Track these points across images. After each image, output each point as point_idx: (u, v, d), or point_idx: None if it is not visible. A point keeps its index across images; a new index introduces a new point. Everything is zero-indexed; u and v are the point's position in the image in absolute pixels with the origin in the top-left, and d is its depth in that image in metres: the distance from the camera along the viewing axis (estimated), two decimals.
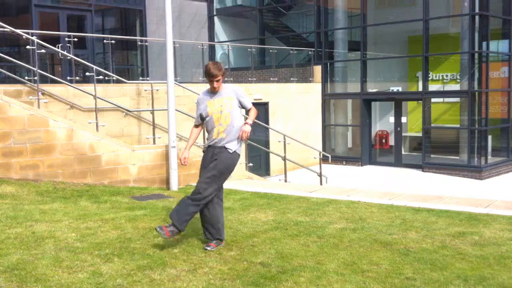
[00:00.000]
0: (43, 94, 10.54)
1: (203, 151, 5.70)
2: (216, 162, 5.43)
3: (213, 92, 5.53)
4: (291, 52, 19.56)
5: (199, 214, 5.54)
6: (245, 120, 5.58)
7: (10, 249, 5.18)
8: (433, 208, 7.48)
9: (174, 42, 10.73)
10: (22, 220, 6.36)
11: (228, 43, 20.91)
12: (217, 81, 5.41)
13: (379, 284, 4.48)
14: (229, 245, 5.56)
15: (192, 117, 12.19)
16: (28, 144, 8.82)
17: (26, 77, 10.74)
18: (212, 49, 21.21)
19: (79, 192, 8.49)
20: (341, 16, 19.83)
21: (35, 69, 10.43)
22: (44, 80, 11.11)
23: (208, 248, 5.40)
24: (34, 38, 10.71)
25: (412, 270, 4.83)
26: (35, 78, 10.44)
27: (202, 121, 5.64)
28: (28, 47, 10.76)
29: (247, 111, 5.70)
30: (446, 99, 19.05)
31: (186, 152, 5.71)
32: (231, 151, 5.48)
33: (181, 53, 17.68)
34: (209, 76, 5.39)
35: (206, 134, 5.70)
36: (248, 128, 5.49)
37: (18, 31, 10.65)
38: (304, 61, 20.44)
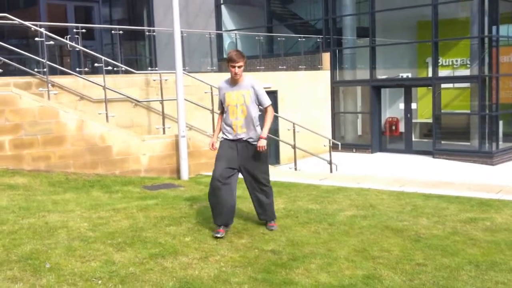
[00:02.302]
0: (52, 85, 10.58)
1: (220, 141, 5.73)
2: (254, 159, 5.61)
3: (232, 82, 5.57)
4: (299, 39, 19.48)
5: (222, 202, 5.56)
6: (260, 127, 5.62)
7: (23, 239, 5.24)
8: (444, 194, 7.46)
9: (181, 32, 10.70)
10: (35, 211, 6.42)
11: (235, 32, 20.86)
12: (239, 67, 5.42)
13: (390, 270, 4.50)
14: (240, 233, 5.59)
15: (202, 106, 12.23)
16: (39, 135, 8.89)
17: (36, 69, 10.77)
18: (219, 38, 21.15)
19: (91, 183, 8.55)
20: (349, 2, 19.67)
21: (44, 61, 10.47)
22: (53, 71, 11.15)
23: (273, 228, 5.74)
24: (42, 30, 10.74)
25: (423, 256, 4.83)
26: (45, 70, 10.48)
27: (223, 108, 5.70)
28: (36, 39, 10.79)
29: (264, 109, 5.69)
30: (456, 85, 18.92)
31: (215, 138, 5.90)
32: (255, 141, 5.57)
33: (189, 42, 17.65)
34: (231, 61, 5.40)
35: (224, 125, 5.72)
36: (263, 143, 5.51)
37: (27, 23, 10.68)
38: (312, 49, 20.35)
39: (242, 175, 5.73)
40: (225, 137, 5.65)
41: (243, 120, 5.53)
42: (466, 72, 18.24)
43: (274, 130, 15.70)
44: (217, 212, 5.54)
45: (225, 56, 21.25)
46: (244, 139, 5.57)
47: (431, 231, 5.61)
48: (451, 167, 15.84)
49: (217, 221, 5.55)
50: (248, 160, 5.60)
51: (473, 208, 6.60)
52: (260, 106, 5.66)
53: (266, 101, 5.63)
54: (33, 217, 6.11)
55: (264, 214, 5.85)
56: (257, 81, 5.74)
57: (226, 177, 5.50)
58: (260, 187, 5.73)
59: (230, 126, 5.59)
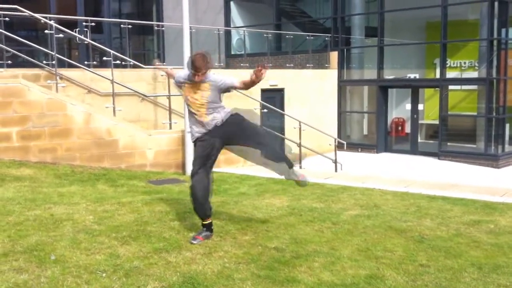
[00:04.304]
0: (61, 78, 10.63)
1: (194, 143, 5.40)
2: (240, 130, 5.35)
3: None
4: (307, 38, 19.46)
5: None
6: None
7: (29, 231, 5.29)
8: (449, 196, 7.47)
9: (190, 28, 10.72)
10: (41, 203, 6.47)
11: (244, 29, 20.85)
12: (202, 74, 5.03)
13: (393, 270, 4.51)
14: (244, 230, 5.61)
15: None
16: (46, 127, 8.94)
17: (44, 61, 10.82)
18: (228, 34, 21.15)
19: (97, 176, 8.60)
20: (358, 2, 19.62)
21: (53, 53, 10.52)
22: (61, 64, 11.20)
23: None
24: (52, 22, 10.78)
25: (426, 257, 4.84)
26: (53, 62, 10.53)
27: (177, 84, 5.40)
28: (46, 31, 10.83)
29: (237, 88, 5.35)
30: (464, 87, 18.86)
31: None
32: (231, 114, 5.32)
33: (197, 38, 17.67)
34: (194, 69, 4.98)
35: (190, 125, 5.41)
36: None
37: (37, 15, 10.72)
38: (320, 47, 20.32)
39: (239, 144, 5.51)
40: (198, 137, 5.31)
41: (206, 110, 5.19)
42: (474, 74, 18.17)
43: (280, 128, 15.71)
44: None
45: (233, 52, 21.30)
46: (217, 123, 5.24)
47: (435, 232, 5.62)
48: (456, 169, 15.80)
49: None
50: (235, 135, 5.36)
51: (477, 210, 6.60)
52: (230, 89, 5.30)
53: (233, 81, 5.20)
54: (38, 209, 6.16)
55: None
56: (215, 74, 5.28)
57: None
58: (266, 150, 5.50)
59: (196, 123, 5.28)
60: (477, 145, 17.01)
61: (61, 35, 11.31)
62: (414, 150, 18.41)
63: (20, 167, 8.35)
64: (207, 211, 5.28)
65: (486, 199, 7.28)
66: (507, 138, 16.96)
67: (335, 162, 13.63)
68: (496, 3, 16.20)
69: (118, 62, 11.87)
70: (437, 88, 18.02)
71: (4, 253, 4.61)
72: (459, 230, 5.72)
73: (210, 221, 5.30)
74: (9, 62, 10.50)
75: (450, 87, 17.92)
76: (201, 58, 5.01)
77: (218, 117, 5.26)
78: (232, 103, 13.25)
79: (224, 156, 10.97)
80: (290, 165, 5.74)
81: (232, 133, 5.35)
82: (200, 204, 5.23)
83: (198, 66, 4.97)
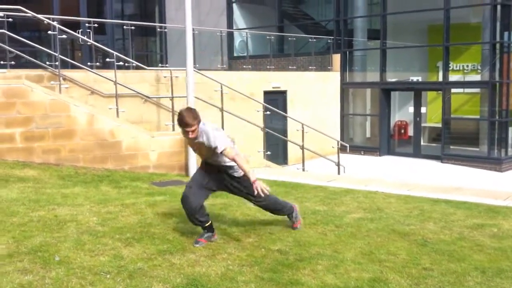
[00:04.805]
0: (64, 79, 10.63)
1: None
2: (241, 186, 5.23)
3: None
4: (310, 40, 19.47)
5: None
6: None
7: (33, 232, 5.30)
8: (452, 200, 7.46)
9: (193, 29, 10.74)
10: (45, 204, 6.49)
11: (246, 30, 20.88)
12: (193, 131, 4.85)
13: (396, 274, 4.51)
14: (247, 232, 5.62)
15: (211, 104, 12.27)
16: (50, 128, 8.96)
17: (47, 62, 10.84)
18: (230, 36, 21.18)
19: (100, 177, 8.61)
20: (361, 4, 19.66)
21: (56, 54, 10.53)
22: (64, 65, 11.20)
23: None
24: (55, 23, 10.80)
25: (430, 261, 4.84)
26: (56, 63, 10.53)
27: None
28: (49, 32, 10.85)
29: (226, 156, 4.98)
30: (466, 90, 18.86)
31: None
32: (235, 172, 5.16)
33: (200, 40, 17.70)
34: (183, 126, 4.82)
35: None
36: (258, 183, 4.81)
37: (40, 16, 10.74)
38: (323, 50, 20.35)
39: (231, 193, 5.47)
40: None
41: (210, 157, 5.11)
42: (476, 77, 18.18)
43: (283, 130, 15.73)
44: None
45: (235, 54, 21.31)
46: (224, 165, 5.11)
47: (438, 236, 5.62)
48: (459, 172, 15.80)
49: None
50: (233, 186, 5.29)
51: (481, 214, 6.60)
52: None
53: (219, 144, 4.89)
54: (42, 210, 6.17)
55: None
56: (211, 128, 4.98)
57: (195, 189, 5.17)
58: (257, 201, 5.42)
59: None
60: (480, 148, 17.01)
61: (64, 36, 11.33)
62: (417, 153, 18.42)
63: (24, 168, 8.36)
64: (202, 221, 5.20)
65: (489, 202, 7.27)
66: (510, 141, 16.98)
67: (338, 164, 13.63)
68: (498, 7, 16.23)
69: (121, 63, 11.89)
70: (439, 91, 18.02)
71: (9, 254, 4.62)
72: (463, 234, 5.71)
73: (210, 222, 5.27)
74: (13, 63, 10.51)
75: (453, 90, 17.93)
76: (189, 114, 4.83)
77: (222, 169, 5.18)
78: (235, 104, 13.33)
79: None
80: (289, 215, 5.83)
81: (232, 186, 5.32)
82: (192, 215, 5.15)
83: (187, 123, 4.80)
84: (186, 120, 4.78)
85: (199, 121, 4.87)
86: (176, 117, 10.55)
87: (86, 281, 4.13)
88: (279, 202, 5.72)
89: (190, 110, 4.94)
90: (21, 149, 8.75)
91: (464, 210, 6.79)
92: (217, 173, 5.23)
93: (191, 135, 4.88)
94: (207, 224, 5.24)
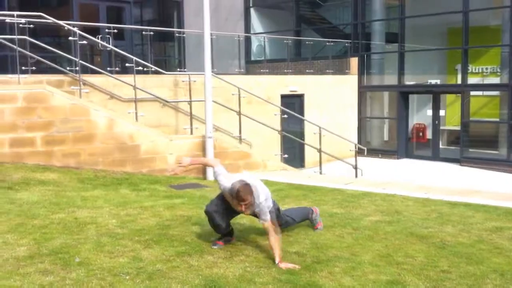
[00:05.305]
0: (84, 84, 10.78)
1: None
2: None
3: None
4: (327, 44, 19.46)
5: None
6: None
7: (54, 234, 5.39)
8: (470, 203, 7.41)
9: (211, 34, 10.82)
10: (65, 206, 6.59)
11: (264, 35, 20.92)
12: (246, 205, 4.88)
13: (414, 276, 4.51)
14: (265, 235, 5.61)
15: (228, 108, 12.33)
16: (70, 133, 9.09)
17: (68, 68, 10.99)
18: (248, 40, 21.24)
19: (119, 180, 8.71)
20: (379, 8, 19.59)
21: (77, 59, 10.68)
22: (84, 70, 11.36)
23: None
24: (75, 29, 10.96)
25: (448, 264, 4.83)
26: (77, 68, 10.69)
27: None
28: (70, 38, 11.00)
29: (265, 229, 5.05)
30: (486, 93, 18.67)
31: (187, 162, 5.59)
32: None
33: (218, 44, 17.80)
34: (238, 200, 4.85)
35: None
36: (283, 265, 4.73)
37: (61, 22, 10.91)
38: (340, 53, 20.30)
39: None
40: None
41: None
42: (496, 80, 17.99)
43: (300, 133, 15.73)
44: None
45: (253, 58, 21.38)
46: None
47: (457, 239, 5.59)
48: (478, 175, 15.63)
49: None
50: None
51: (500, 217, 6.55)
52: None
53: (264, 216, 4.99)
54: (63, 212, 6.27)
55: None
56: (263, 204, 5.04)
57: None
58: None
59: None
60: (499, 151, 16.82)
61: (84, 42, 11.49)
62: (435, 156, 18.27)
63: (45, 171, 8.49)
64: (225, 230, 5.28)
65: (508, 205, 7.21)
66: None
67: (356, 167, 13.60)
68: None
69: (140, 68, 12.02)
70: (458, 94, 17.88)
71: (30, 256, 4.71)
72: (481, 237, 5.68)
73: (230, 228, 5.35)
74: (34, 68, 10.68)
75: (472, 93, 17.76)
76: (246, 190, 4.85)
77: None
78: (252, 108, 13.36)
79: (244, 161, 11.05)
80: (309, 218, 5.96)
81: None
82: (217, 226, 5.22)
83: (244, 198, 4.85)
84: (243, 196, 4.82)
85: (252, 195, 4.90)
86: (194, 121, 10.58)
87: (105, 282, 4.19)
88: (299, 216, 5.85)
89: (247, 186, 4.90)
90: (41, 153, 8.89)
91: (482, 213, 6.74)
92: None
93: (245, 210, 4.93)
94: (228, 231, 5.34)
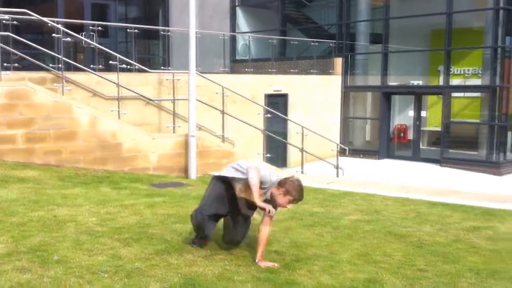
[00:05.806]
0: (67, 81, 10.71)
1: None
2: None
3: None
4: (312, 44, 19.54)
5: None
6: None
7: (32, 231, 5.35)
8: (449, 203, 7.51)
9: (196, 32, 10.81)
10: (44, 204, 6.55)
11: (249, 34, 20.94)
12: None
13: (391, 275, 4.56)
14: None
15: (212, 107, 12.33)
16: (51, 130, 9.03)
17: (51, 65, 10.92)
18: (233, 39, 21.24)
19: (100, 178, 8.68)
20: (364, 8, 19.71)
21: (60, 56, 10.60)
22: (67, 67, 11.28)
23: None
24: (60, 26, 10.88)
25: (425, 262, 4.89)
26: (60, 65, 10.61)
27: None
28: (54, 35, 10.92)
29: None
30: (467, 94, 18.88)
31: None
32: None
33: (203, 43, 17.78)
34: (300, 199, 4.75)
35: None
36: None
37: (45, 19, 10.82)
38: (325, 53, 20.38)
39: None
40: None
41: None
42: (477, 81, 18.20)
43: (283, 133, 15.79)
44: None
45: (238, 57, 21.38)
46: None
47: (434, 238, 5.67)
48: (457, 176, 15.80)
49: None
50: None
51: (477, 217, 6.65)
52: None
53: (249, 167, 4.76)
54: (42, 210, 6.23)
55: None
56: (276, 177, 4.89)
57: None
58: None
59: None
60: (479, 152, 17.02)
61: (68, 39, 11.41)
62: (416, 156, 18.44)
63: (24, 169, 8.43)
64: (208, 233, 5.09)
65: (486, 205, 7.33)
66: (509, 145, 16.98)
67: (337, 167, 13.68)
68: (501, 11, 16.24)
69: (124, 66, 11.97)
70: (440, 95, 18.06)
71: (8, 253, 4.68)
72: (458, 236, 5.76)
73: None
74: (16, 65, 10.59)
75: (453, 94, 17.95)
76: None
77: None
78: (236, 107, 13.38)
79: (227, 159, 11.06)
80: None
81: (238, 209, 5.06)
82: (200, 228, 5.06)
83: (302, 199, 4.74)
84: (301, 197, 4.76)
85: None
86: (177, 120, 10.47)
87: (84, 280, 4.18)
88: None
89: (302, 186, 4.75)
90: (22, 150, 8.82)
91: (460, 213, 6.84)
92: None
93: (288, 206, 4.80)
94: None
